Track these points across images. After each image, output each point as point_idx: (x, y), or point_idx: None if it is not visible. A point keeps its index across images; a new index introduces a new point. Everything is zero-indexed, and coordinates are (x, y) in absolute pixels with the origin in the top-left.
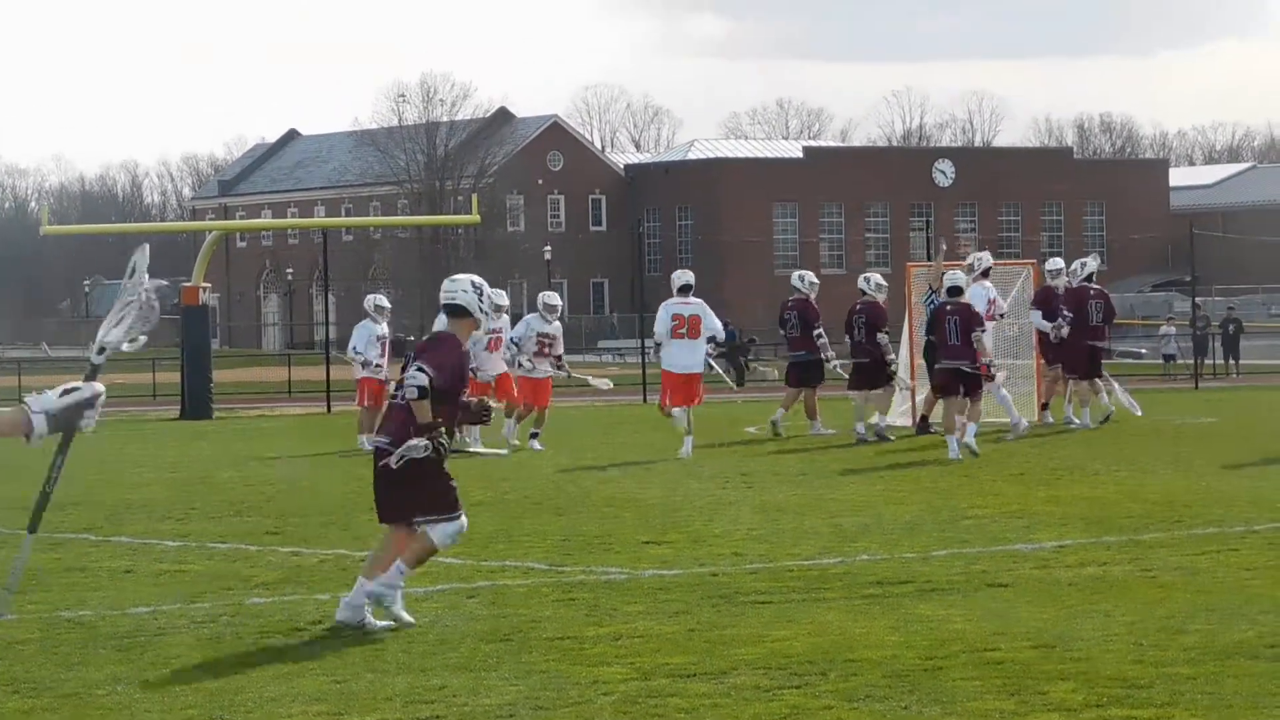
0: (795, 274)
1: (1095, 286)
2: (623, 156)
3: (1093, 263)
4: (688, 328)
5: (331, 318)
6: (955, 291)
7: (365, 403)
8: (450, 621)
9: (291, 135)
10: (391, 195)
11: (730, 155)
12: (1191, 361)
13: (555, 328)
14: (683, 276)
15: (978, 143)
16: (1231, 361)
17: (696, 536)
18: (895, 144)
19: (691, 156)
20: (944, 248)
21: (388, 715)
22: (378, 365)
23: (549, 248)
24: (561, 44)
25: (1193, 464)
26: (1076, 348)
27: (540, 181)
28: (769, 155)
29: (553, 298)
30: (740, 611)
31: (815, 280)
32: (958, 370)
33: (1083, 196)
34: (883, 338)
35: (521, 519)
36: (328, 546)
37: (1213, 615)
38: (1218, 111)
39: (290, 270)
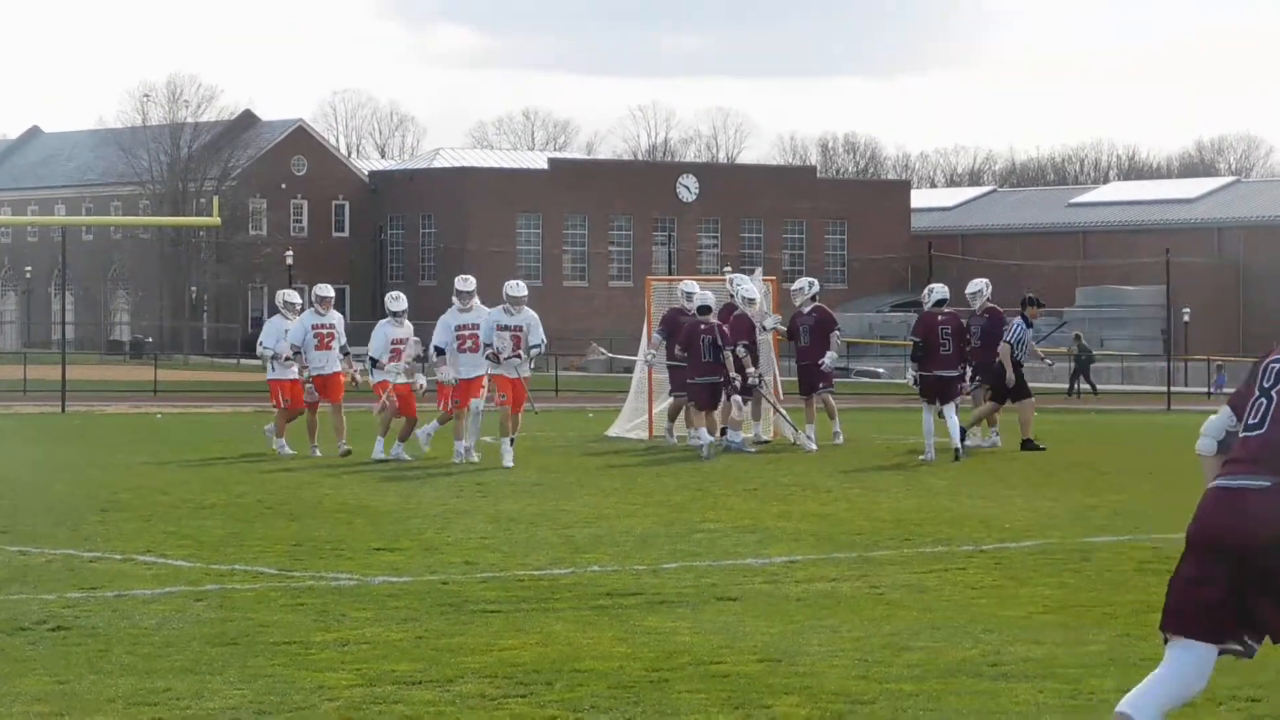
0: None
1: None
2: (368, 163)
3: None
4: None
5: (69, 317)
6: (705, 310)
7: (281, 404)
8: (177, 624)
9: (34, 132)
10: (134, 195)
11: (475, 165)
12: None
13: (406, 329)
14: (516, 288)
15: (722, 159)
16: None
17: (428, 545)
18: (640, 158)
19: (437, 165)
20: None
21: (110, 717)
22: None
23: (291, 252)
24: (309, 49)
25: (924, 483)
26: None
27: (284, 186)
28: (514, 166)
29: (398, 301)
30: (469, 620)
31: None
32: (713, 384)
33: (825, 215)
34: (740, 350)
35: (253, 523)
36: (55, 546)
37: (938, 633)
38: (960, 135)
39: (29, 269)
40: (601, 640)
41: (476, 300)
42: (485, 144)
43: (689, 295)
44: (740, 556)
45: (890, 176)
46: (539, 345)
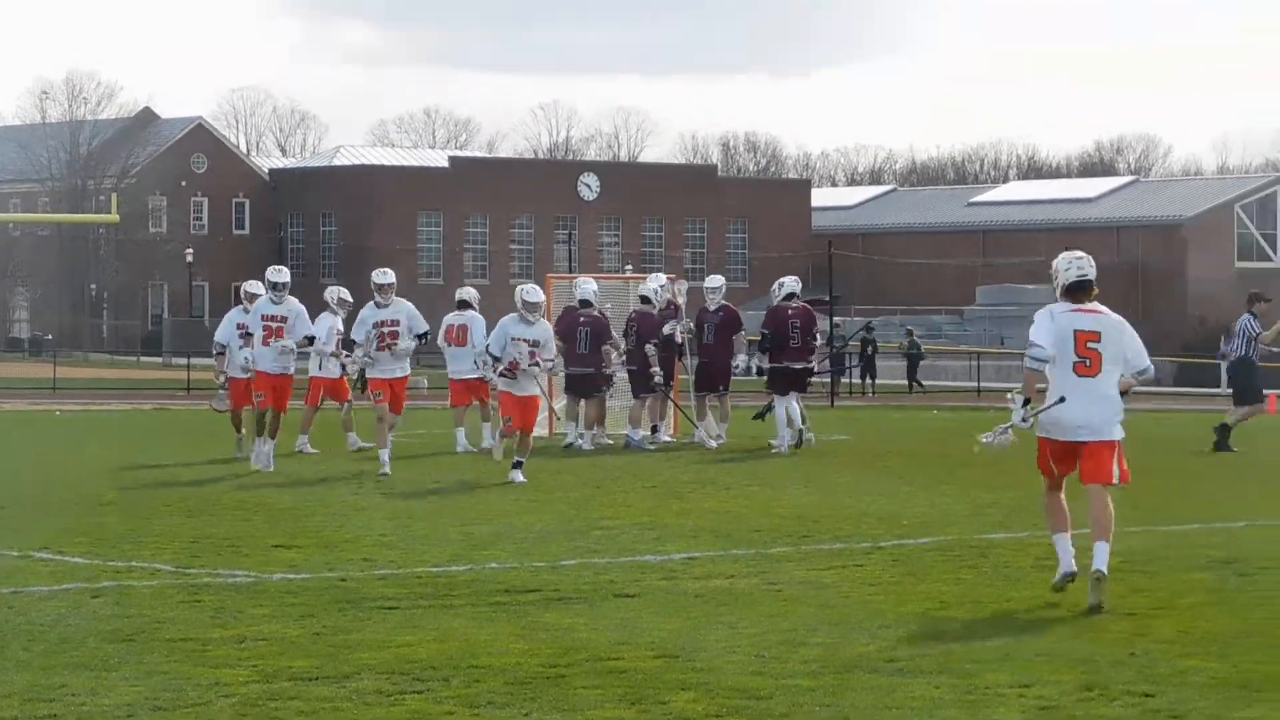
0: (648, 281)
1: (586, 313)
2: (268, 160)
3: (661, 280)
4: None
5: None
6: (586, 304)
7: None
8: (74, 621)
9: None
10: (33, 193)
11: (376, 162)
12: (828, 380)
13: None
14: (533, 293)
15: (623, 158)
16: (868, 380)
17: (327, 541)
18: (542, 156)
19: (337, 163)
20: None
21: (5, 713)
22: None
23: (191, 250)
24: (209, 46)
25: (823, 480)
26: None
27: (184, 183)
28: (415, 164)
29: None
30: (367, 616)
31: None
32: (583, 375)
33: (726, 214)
34: (649, 348)
35: (151, 520)
36: None
37: (835, 629)
38: (860, 134)
39: None
40: (499, 636)
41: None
42: (386, 142)
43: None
44: (639, 553)
45: (791, 175)
46: (551, 360)
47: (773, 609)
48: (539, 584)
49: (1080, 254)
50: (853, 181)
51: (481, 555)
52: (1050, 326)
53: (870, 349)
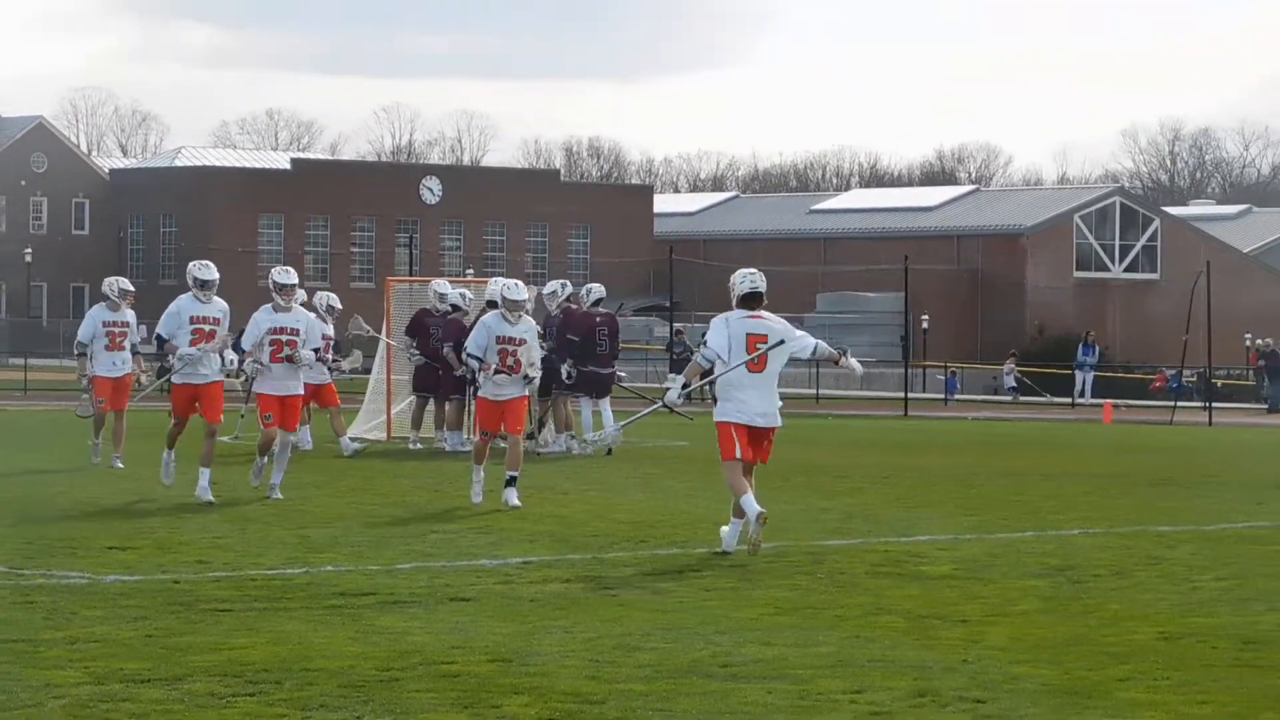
0: (551, 285)
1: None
2: (109, 161)
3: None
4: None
5: None
6: (493, 305)
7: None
8: None
9: None
10: None
11: (218, 164)
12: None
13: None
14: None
15: (466, 161)
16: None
17: (162, 543)
18: (384, 159)
19: (179, 164)
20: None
21: None
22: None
23: (30, 250)
24: (50, 45)
25: (661, 486)
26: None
27: (23, 183)
28: (257, 165)
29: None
30: (200, 619)
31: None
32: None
33: (569, 219)
34: (447, 350)
35: None
36: None
37: (670, 634)
38: (703, 140)
39: None
40: (334, 640)
41: (300, 299)
42: (228, 143)
43: (441, 296)
44: (475, 557)
45: (634, 181)
46: (535, 364)
47: (608, 614)
48: (374, 587)
49: (754, 270)
50: (695, 188)
51: (317, 558)
52: (725, 331)
53: (679, 354)
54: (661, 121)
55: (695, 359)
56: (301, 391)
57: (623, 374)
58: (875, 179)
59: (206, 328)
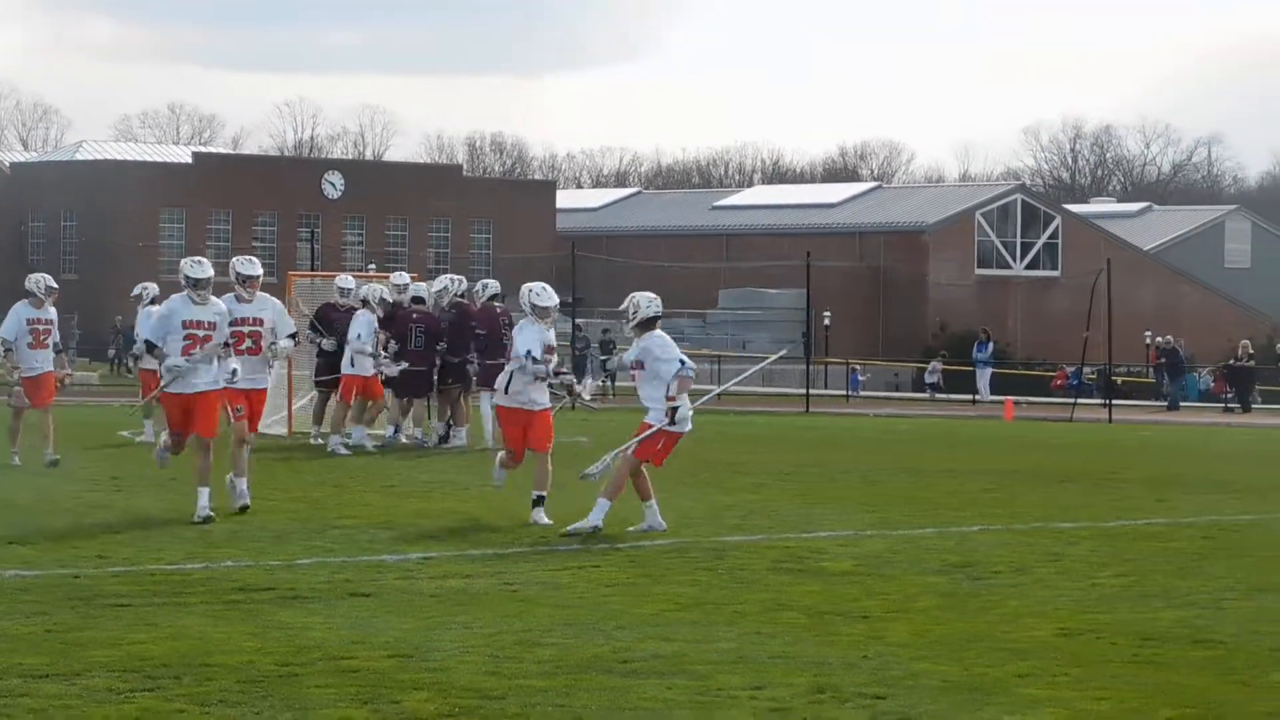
0: (441, 281)
1: (419, 309)
2: (9, 155)
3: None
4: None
5: None
6: (418, 301)
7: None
8: None
9: None
10: None
11: (119, 157)
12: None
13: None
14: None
15: (369, 156)
16: (608, 383)
17: (61, 538)
18: (286, 154)
19: (80, 157)
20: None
21: None
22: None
23: None
24: None
25: (561, 482)
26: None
27: None
28: (158, 159)
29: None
30: (99, 614)
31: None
32: (420, 372)
33: (471, 215)
34: (441, 347)
35: None
36: None
37: (570, 629)
38: (606, 136)
39: None
40: (233, 635)
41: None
42: (130, 137)
43: (344, 291)
44: (376, 553)
45: (537, 177)
46: (566, 373)
47: (508, 609)
48: (274, 582)
49: (654, 295)
50: (598, 184)
51: (217, 553)
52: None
53: (580, 350)
54: (564, 117)
55: (684, 373)
56: (265, 386)
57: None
58: (778, 176)
59: (201, 333)
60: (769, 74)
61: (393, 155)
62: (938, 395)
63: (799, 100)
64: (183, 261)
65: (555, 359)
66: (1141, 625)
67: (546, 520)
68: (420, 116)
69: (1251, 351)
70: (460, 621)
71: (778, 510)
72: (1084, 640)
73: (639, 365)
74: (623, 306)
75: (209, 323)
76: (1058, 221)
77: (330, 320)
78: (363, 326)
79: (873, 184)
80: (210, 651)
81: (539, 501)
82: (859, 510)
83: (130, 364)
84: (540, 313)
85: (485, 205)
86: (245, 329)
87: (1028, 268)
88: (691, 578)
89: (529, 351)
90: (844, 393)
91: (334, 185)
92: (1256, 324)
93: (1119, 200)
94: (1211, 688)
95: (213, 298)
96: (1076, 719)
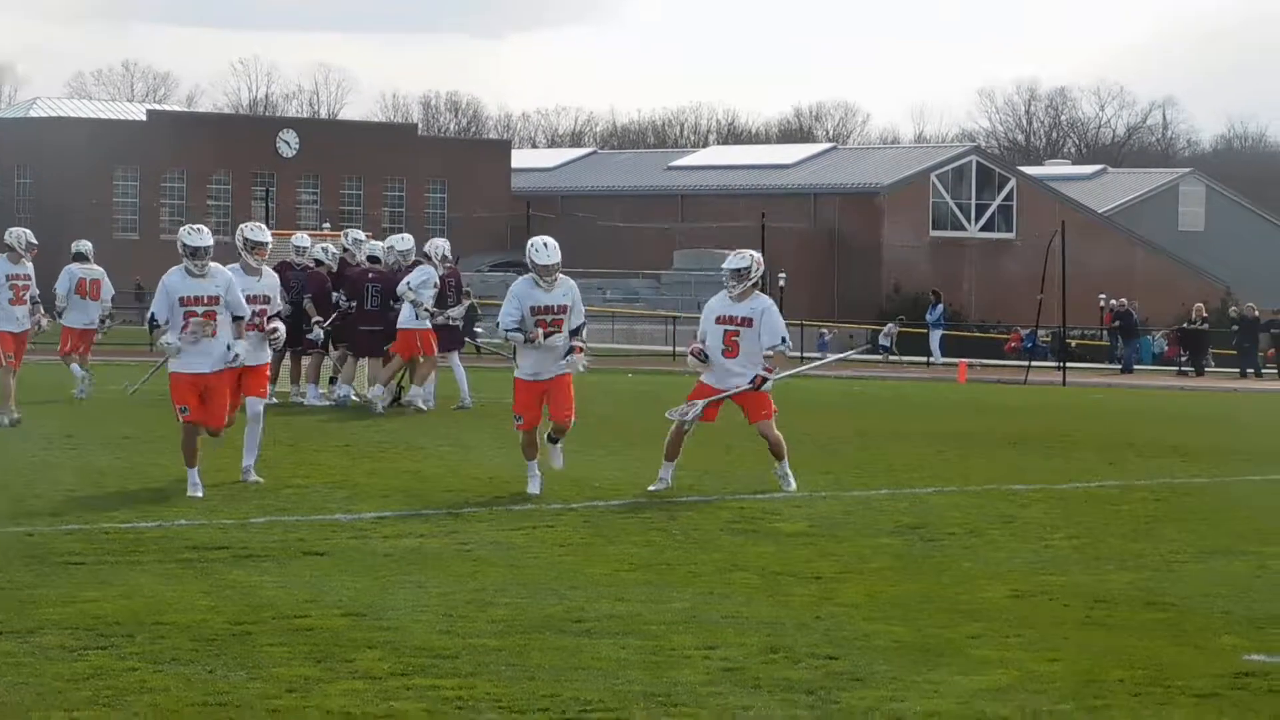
0: (392, 240)
1: (375, 269)
2: None
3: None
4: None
5: None
6: (374, 260)
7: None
8: None
9: None
10: None
11: (73, 115)
12: None
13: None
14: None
15: (324, 115)
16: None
17: (15, 496)
18: (241, 112)
19: (33, 115)
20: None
21: None
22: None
23: None
24: None
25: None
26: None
27: None
28: (112, 117)
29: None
30: (52, 572)
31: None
32: (374, 332)
33: (426, 174)
34: (307, 302)
35: None
36: None
37: (523, 590)
38: (562, 96)
39: None
40: (186, 594)
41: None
42: (83, 94)
43: (300, 249)
44: (329, 512)
45: (492, 136)
46: (579, 330)
47: (462, 569)
48: (228, 541)
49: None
50: (553, 143)
51: (170, 512)
52: None
53: None
54: (520, 77)
55: (786, 350)
56: (268, 359)
57: (479, 329)
58: (733, 136)
59: (200, 309)
60: (725, 35)
61: (348, 114)
62: (891, 358)
63: (754, 61)
64: (180, 229)
65: (569, 323)
66: (1093, 587)
67: (560, 463)
68: (376, 75)
69: (1205, 314)
70: (414, 581)
71: (731, 471)
72: (1036, 602)
73: (747, 323)
74: (739, 263)
75: (209, 297)
76: (1012, 184)
77: (286, 280)
78: (422, 279)
79: (828, 145)
80: (163, 610)
81: (557, 437)
82: (813, 472)
83: (42, 323)
84: (538, 270)
85: (440, 165)
86: (255, 307)
87: (982, 230)
88: (645, 538)
89: (498, 324)
90: (798, 353)
91: (289, 144)
92: (1210, 287)
93: (1074, 163)
94: (1162, 650)
95: (214, 265)
96: (1028, 680)
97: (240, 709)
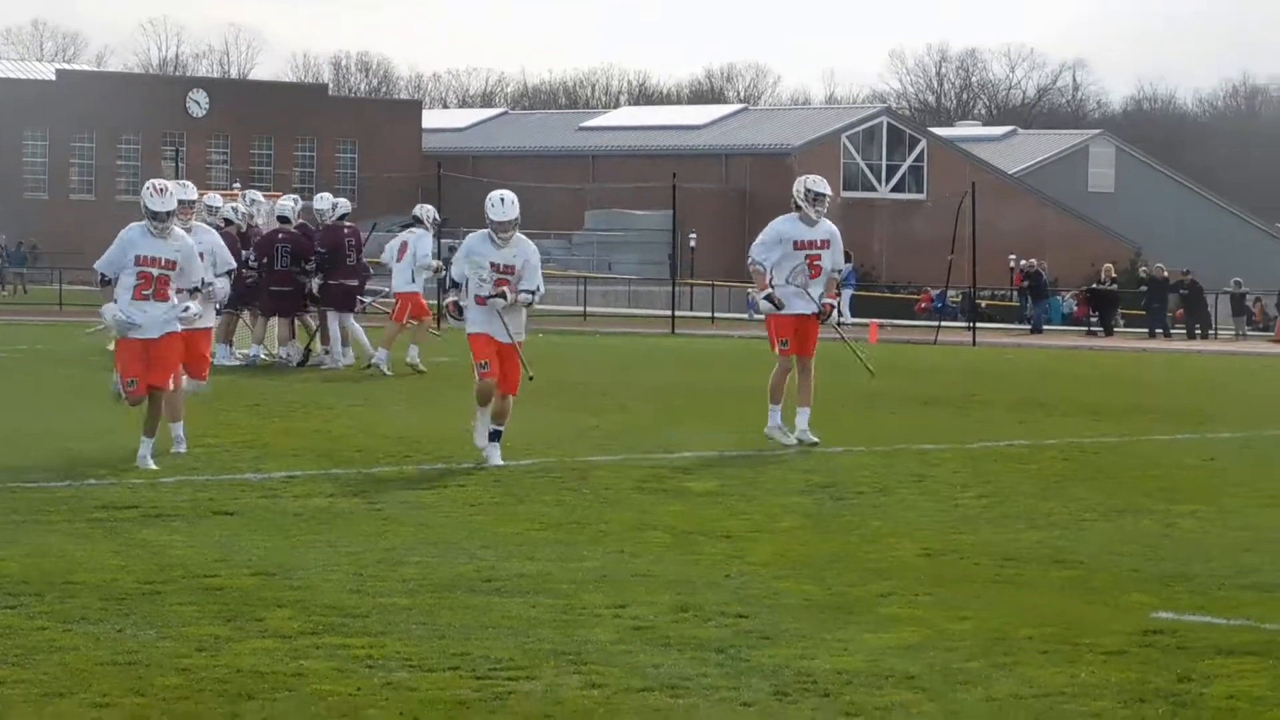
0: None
1: (285, 229)
2: None
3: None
4: None
5: None
6: (284, 220)
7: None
8: None
9: None
10: None
11: None
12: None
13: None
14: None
15: (234, 75)
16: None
17: None
18: (151, 72)
19: None
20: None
21: None
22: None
23: None
24: None
25: (427, 401)
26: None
27: None
28: (21, 77)
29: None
30: None
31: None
32: (283, 293)
33: (337, 134)
34: (310, 266)
35: None
36: None
37: (434, 549)
38: (472, 56)
39: None
40: (95, 553)
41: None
42: None
43: (212, 209)
44: (239, 472)
45: (403, 96)
46: (532, 293)
47: (372, 528)
48: (137, 501)
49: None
50: (464, 104)
51: (80, 472)
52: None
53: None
54: (431, 37)
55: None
56: (209, 325)
57: (385, 289)
58: (644, 97)
59: (156, 272)
60: None
61: (258, 74)
62: None
63: (665, 23)
64: (144, 190)
65: (517, 281)
66: (1003, 546)
67: (499, 460)
68: (286, 35)
69: (1114, 275)
70: (324, 540)
71: (642, 430)
72: (946, 560)
73: (826, 245)
74: (823, 186)
75: (167, 260)
76: (923, 145)
77: (274, 241)
78: (424, 247)
79: (739, 106)
80: (73, 569)
81: (496, 436)
82: (723, 430)
83: None
84: (494, 226)
85: (351, 125)
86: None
87: (893, 191)
88: (556, 497)
89: (447, 274)
90: (709, 314)
91: (199, 104)
92: (1119, 248)
93: (984, 124)
94: (1071, 607)
95: (177, 229)
96: (938, 638)
97: (150, 668)
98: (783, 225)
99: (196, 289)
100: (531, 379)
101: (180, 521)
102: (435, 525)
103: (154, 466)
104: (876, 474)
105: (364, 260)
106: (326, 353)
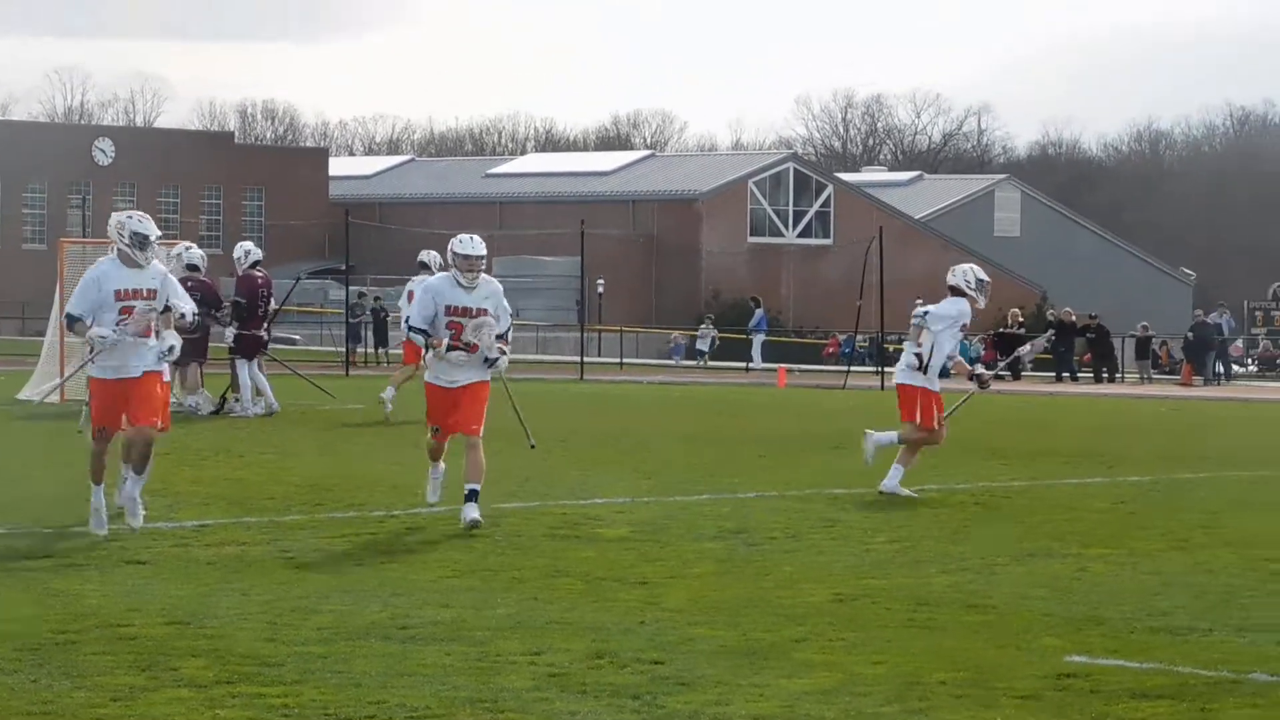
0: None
1: (193, 276)
2: None
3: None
4: None
5: None
6: (193, 269)
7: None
8: None
9: None
10: None
11: None
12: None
13: None
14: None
15: (140, 123)
16: (381, 350)
17: None
18: (57, 120)
19: None
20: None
21: None
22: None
23: None
24: None
25: (337, 449)
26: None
27: None
28: None
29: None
30: None
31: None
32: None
33: (243, 182)
34: (221, 314)
35: None
36: None
37: (348, 596)
38: (379, 103)
39: None
40: (9, 602)
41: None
42: None
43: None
44: (151, 520)
45: (309, 144)
46: (504, 335)
47: (285, 576)
48: (50, 550)
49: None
50: (371, 151)
51: None
52: None
53: (385, 316)
54: (336, 84)
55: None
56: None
57: (296, 337)
58: (551, 144)
59: (139, 303)
60: (541, 42)
61: (164, 122)
62: (710, 364)
63: (572, 69)
64: (125, 217)
65: (485, 323)
66: (915, 590)
67: (476, 516)
68: (192, 83)
69: (1021, 319)
70: (237, 588)
71: (553, 477)
72: (859, 605)
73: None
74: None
75: (149, 290)
76: (830, 190)
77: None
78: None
79: (646, 152)
80: None
81: (471, 496)
82: (634, 477)
83: None
84: (461, 262)
85: (257, 172)
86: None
87: (800, 236)
88: (468, 544)
89: (405, 322)
90: (617, 360)
91: (104, 152)
92: (1026, 292)
93: (890, 169)
94: (985, 651)
95: (154, 260)
96: (852, 683)
97: (65, 718)
98: (951, 308)
99: (183, 315)
100: (534, 447)
101: (93, 570)
102: (348, 572)
103: (105, 532)
104: (788, 519)
105: (274, 308)
106: (237, 400)
